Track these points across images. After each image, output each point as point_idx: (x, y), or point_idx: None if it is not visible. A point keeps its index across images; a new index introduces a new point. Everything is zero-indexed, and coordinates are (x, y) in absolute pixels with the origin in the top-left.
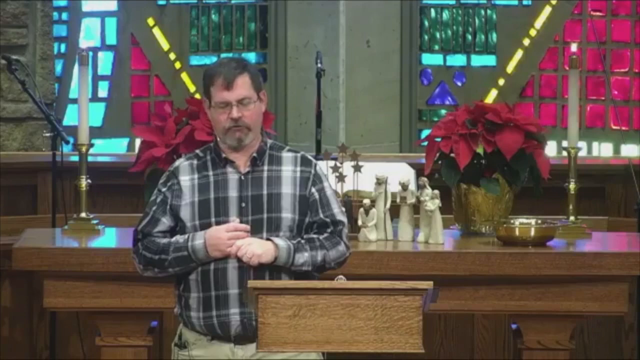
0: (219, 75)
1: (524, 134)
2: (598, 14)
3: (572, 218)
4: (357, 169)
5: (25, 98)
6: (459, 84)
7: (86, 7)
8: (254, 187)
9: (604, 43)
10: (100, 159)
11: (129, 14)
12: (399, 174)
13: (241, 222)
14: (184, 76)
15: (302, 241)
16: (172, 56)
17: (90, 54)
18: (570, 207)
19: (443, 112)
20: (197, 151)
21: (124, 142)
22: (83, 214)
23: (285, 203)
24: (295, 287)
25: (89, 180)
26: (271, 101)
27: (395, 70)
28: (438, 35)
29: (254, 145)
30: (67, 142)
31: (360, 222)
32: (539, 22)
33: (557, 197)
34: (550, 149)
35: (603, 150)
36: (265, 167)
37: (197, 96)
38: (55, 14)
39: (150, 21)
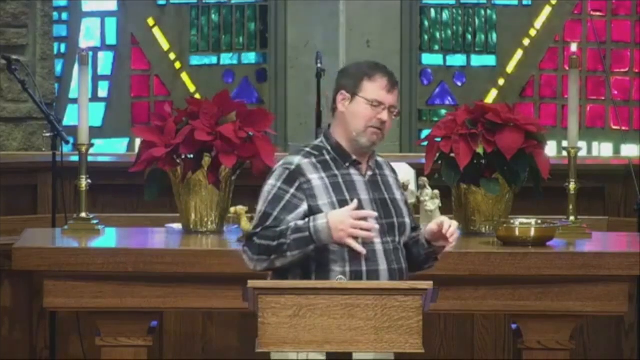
0: (384, 75)
1: (524, 134)
2: (598, 14)
3: (572, 218)
4: None
5: (25, 98)
6: (459, 84)
7: (86, 7)
8: (377, 191)
9: (604, 43)
10: (100, 159)
11: (129, 14)
12: (399, 174)
13: (378, 225)
14: (184, 76)
15: None
16: (172, 56)
17: (90, 54)
18: (570, 207)
19: (443, 112)
20: (307, 149)
21: (124, 142)
22: (83, 214)
23: (403, 208)
24: (295, 287)
25: (89, 180)
26: (271, 101)
27: (395, 70)
28: (438, 35)
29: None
30: (67, 142)
31: None
32: (539, 22)
33: (557, 197)
34: (550, 149)
35: (603, 150)
36: (377, 171)
37: (197, 96)
38: (55, 14)
39: (150, 21)
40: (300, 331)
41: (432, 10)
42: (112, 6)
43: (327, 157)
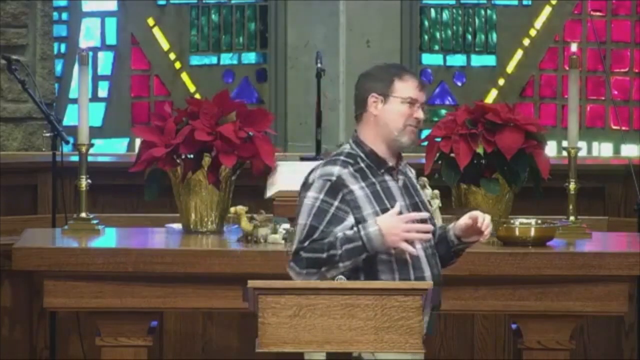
0: (411, 74)
1: (524, 134)
2: (598, 14)
3: (572, 218)
4: None
5: (25, 98)
6: (459, 84)
7: (86, 7)
8: (409, 195)
9: (604, 43)
10: (100, 159)
11: (129, 14)
12: None
13: None
14: (184, 76)
15: None
16: (172, 56)
17: (90, 54)
18: (570, 207)
19: (443, 112)
20: (342, 158)
21: (124, 142)
22: (83, 214)
23: (429, 210)
24: (295, 287)
25: (89, 180)
26: (271, 101)
27: None
28: (438, 35)
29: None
30: (67, 142)
31: None
32: (539, 22)
33: (557, 197)
34: (550, 149)
35: (603, 150)
36: (405, 176)
37: (197, 96)
38: (55, 14)
39: (150, 21)
40: (300, 331)
41: (432, 10)
42: (112, 6)
43: (362, 165)
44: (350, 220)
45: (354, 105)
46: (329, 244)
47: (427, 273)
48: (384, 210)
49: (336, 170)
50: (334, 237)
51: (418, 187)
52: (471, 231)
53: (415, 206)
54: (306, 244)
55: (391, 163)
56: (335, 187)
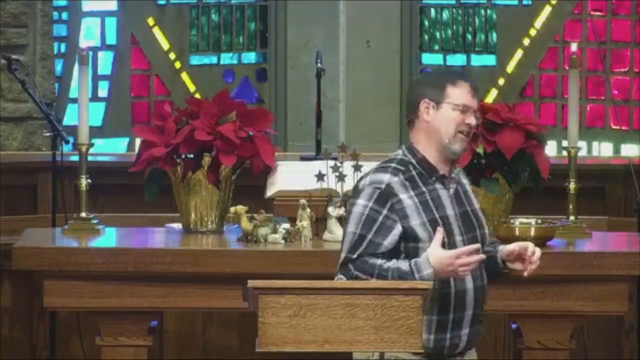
0: (465, 80)
1: (524, 134)
2: (598, 13)
3: (572, 218)
4: (357, 168)
5: (25, 98)
6: None
7: (86, 7)
8: (459, 204)
9: (604, 43)
10: (100, 158)
11: (129, 14)
12: None
13: (464, 240)
14: (184, 76)
15: None
16: (172, 56)
17: (90, 53)
18: (570, 207)
19: None
20: (393, 165)
21: (124, 142)
22: (83, 214)
23: (483, 218)
24: (295, 287)
25: (89, 180)
26: (271, 101)
27: (395, 70)
28: (438, 35)
29: (454, 160)
30: (67, 142)
31: None
32: (539, 22)
33: (557, 197)
34: (550, 149)
35: (603, 150)
36: (458, 183)
37: (197, 96)
38: (55, 14)
39: (150, 21)
40: (300, 331)
41: (432, 10)
42: (112, 6)
43: (414, 173)
44: (398, 229)
45: (406, 111)
46: (380, 269)
47: (470, 285)
48: (432, 220)
49: (386, 178)
50: (385, 263)
51: (471, 194)
52: (515, 259)
53: (465, 215)
54: (355, 256)
55: (442, 171)
56: (385, 196)
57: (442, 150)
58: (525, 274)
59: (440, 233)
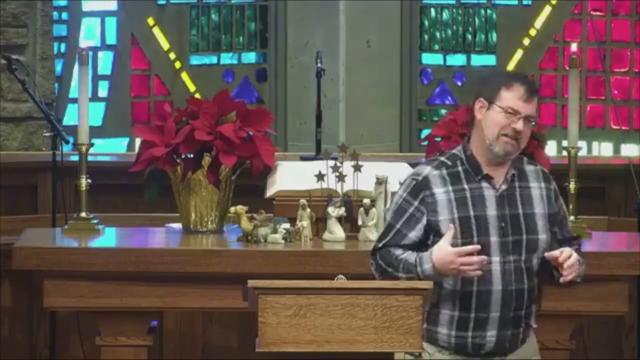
0: (522, 85)
1: None
2: (598, 13)
3: (572, 218)
4: (357, 168)
5: (25, 98)
6: (459, 83)
7: (86, 7)
8: (510, 206)
9: (604, 43)
10: (100, 158)
11: (129, 13)
12: (399, 174)
13: (502, 242)
14: (184, 76)
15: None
16: (172, 56)
17: (90, 53)
18: (570, 207)
19: (443, 111)
20: (442, 159)
21: (124, 141)
22: (83, 214)
23: (540, 224)
24: (296, 287)
25: (89, 180)
26: (271, 101)
27: (395, 70)
28: (438, 35)
29: (509, 162)
30: (67, 142)
31: (360, 222)
32: (539, 22)
33: None
34: (550, 149)
35: (603, 150)
36: (517, 184)
37: (197, 96)
38: (55, 14)
39: (150, 21)
40: (300, 331)
41: (432, 10)
42: (112, 6)
43: (460, 169)
44: (424, 222)
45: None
46: (395, 261)
47: (497, 287)
48: (464, 217)
49: (426, 170)
50: (401, 256)
51: (537, 198)
52: (554, 263)
53: (513, 218)
54: (381, 244)
55: (486, 171)
56: (419, 188)
57: (486, 151)
58: (561, 280)
59: (451, 230)
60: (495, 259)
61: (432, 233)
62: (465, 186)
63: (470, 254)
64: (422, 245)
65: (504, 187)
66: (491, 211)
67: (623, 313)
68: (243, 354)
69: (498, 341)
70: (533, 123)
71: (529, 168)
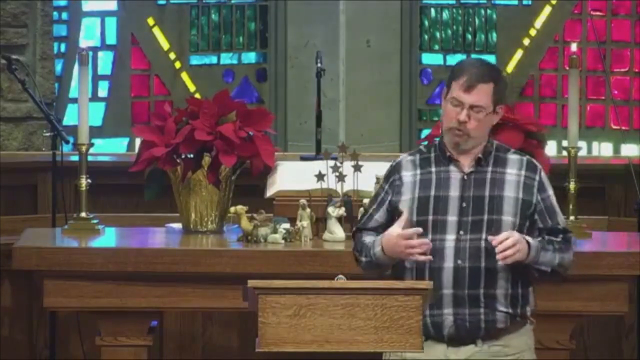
0: (465, 75)
1: (523, 134)
2: (598, 13)
3: (572, 218)
4: (357, 168)
5: (25, 98)
6: None
7: (86, 7)
8: (476, 188)
9: (604, 43)
10: (100, 158)
11: (129, 13)
12: None
13: (460, 221)
14: (184, 76)
15: (544, 241)
16: (172, 56)
17: (90, 53)
18: (570, 207)
19: None
20: (421, 147)
21: (124, 141)
22: (83, 214)
23: (507, 206)
24: (296, 287)
25: (89, 180)
26: (271, 101)
27: (395, 70)
28: (438, 35)
29: (478, 147)
30: (67, 142)
31: None
32: (539, 22)
33: (557, 197)
34: (550, 149)
35: (603, 150)
36: (489, 169)
37: (197, 96)
38: (55, 14)
39: (150, 21)
40: (300, 331)
41: (432, 10)
42: (112, 6)
43: (432, 155)
44: (387, 203)
45: None
46: (360, 247)
47: (448, 264)
48: (423, 197)
49: (402, 157)
50: (363, 240)
51: (513, 184)
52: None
53: (477, 199)
54: (356, 228)
55: (454, 155)
56: (391, 173)
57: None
58: (498, 256)
59: (405, 213)
60: (451, 237)
61: (392, 214)
62: (433, 169)
63: (412, 237)
64: (388, 227)
65: (471, 169)
66: (454, 192)
67: (623, 313)
68: (243, 354)
69: (457, 320)
70: (481, 110)
71: (512, 157)
